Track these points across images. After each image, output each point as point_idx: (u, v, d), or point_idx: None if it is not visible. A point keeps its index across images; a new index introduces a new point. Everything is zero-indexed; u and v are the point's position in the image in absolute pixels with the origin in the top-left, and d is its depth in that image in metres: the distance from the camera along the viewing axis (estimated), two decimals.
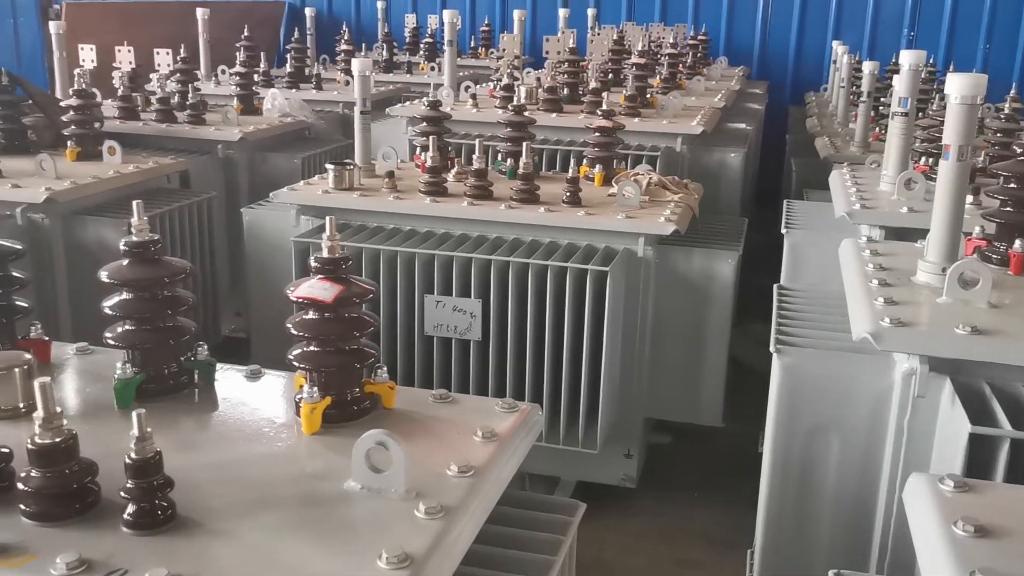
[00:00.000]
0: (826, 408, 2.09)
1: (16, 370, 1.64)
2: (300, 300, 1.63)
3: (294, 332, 1.64)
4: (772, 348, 2.11)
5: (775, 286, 2.53)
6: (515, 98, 4.05)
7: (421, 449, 1.58)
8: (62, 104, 4.04)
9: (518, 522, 1.65)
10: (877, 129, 4.54)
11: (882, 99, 4.86)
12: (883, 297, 2.09)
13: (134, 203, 1.70)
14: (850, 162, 3.73)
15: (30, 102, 4.06)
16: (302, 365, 1.65)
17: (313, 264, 1.66)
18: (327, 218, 1.69)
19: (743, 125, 5.25)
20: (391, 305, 3.18)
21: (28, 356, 1.67)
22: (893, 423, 2.03)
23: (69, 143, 3.81)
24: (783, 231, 3.10)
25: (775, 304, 2.37)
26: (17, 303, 1.84)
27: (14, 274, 1.82)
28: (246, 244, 3.69)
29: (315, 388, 1.63)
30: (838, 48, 5.82)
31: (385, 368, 1.73)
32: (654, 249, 3.19)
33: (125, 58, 4.65)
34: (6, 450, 1.41)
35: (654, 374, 3.33)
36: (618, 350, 3.22)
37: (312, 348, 1.65)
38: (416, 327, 3.17)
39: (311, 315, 1.65)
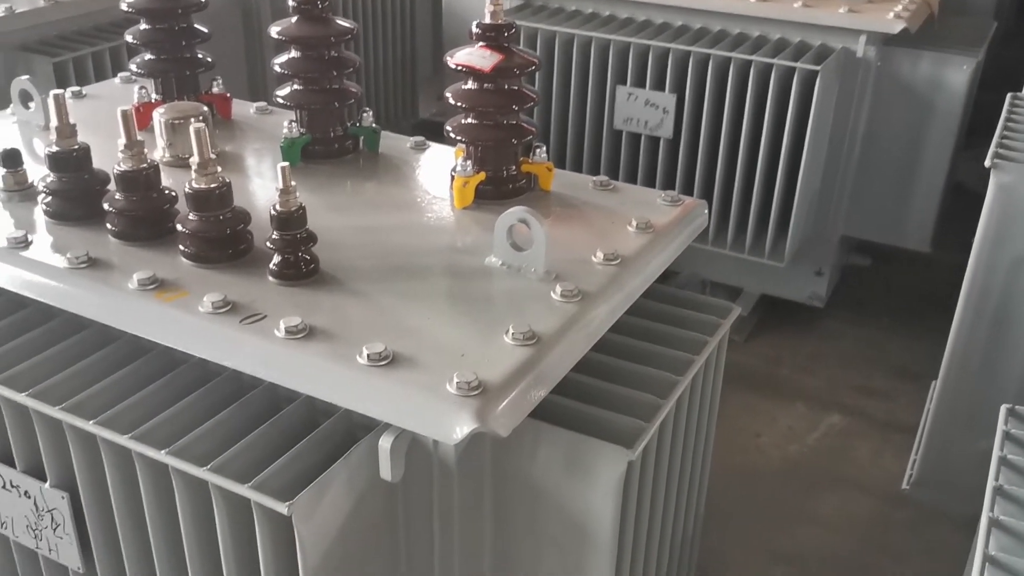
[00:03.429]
0: None
1: (192, 119, 1.68)
2: (458, 67, 1.56)
3: (451, 102, 1.59)
4: (988, 162, 1.85)
5: (1009, 95, 2.20)
6: None
7: (569, 233, 1.52)
8: None
9: (665, 318, 1.58)
10: None
11: None
12: None
13: None
14: None
15: None
16: (457, 137, 1.60)
17: (474, 30, 1.57)
18: None
19: None
20: (581, 95, 3.06)
21: (204, 108, 1.72)
22: None
23: None
24: None
25: (1004, 113, 2.07)
26: (200, 56, 1.88)
27: (197, 27, 1.86)
28: (445, 26, 3.63)
29: (469, 162, 1.59)
30: None
31: (544, 148, 1.65)
32: (877, 50, 2.86)
33: None
34: (172, 193, 1.47)
35: (859, 190, 3.07)
36: (821, 160, 2.98)
37: (469, 120, 1.60)
38: (605, 120, 3.05)
39: (469, 85, 1.58)
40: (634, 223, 1.54)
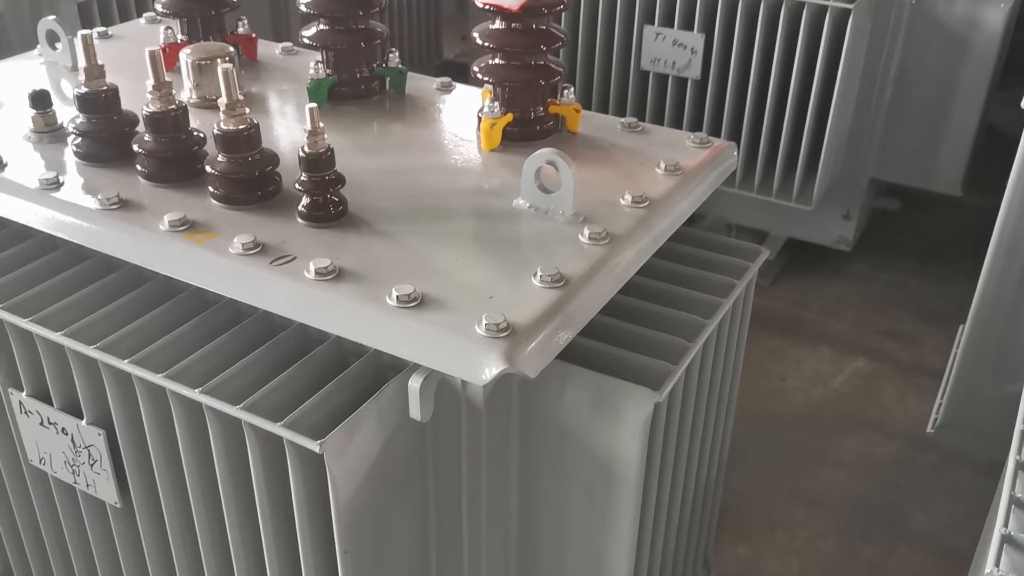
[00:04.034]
0: None
1: (219, 60, 1.68)
2: (486, 6, 1.54)
3: (478, 42, 1.57)
4: None
5: None
6: None
7: (598, 175, 1.51)
8: None
9: (693, 261, 1.58)
10: None
11: None
12: None
13: None
14: None
15: None
16: (484, 78, 1.59)
17: None
18: None
19: None
20: (608, 35, 3.01)
21: (231, 48, 1.71)
22: None
23: None
24: None
25: None
26: None
27: None
28: None
29: (496, 103, 1.58)
30: None
31: (572, 89, 1.64)
32: None
33: None
34: (201, 135, 1.47)
35: (889, 132, 3.03)
36: (851, 102, 2.93)
37: (496, 61, 1.58)
38: (632, 61, 3.01)
39: (496, 24, 1.56)
40: (663, 165, 1.52)
